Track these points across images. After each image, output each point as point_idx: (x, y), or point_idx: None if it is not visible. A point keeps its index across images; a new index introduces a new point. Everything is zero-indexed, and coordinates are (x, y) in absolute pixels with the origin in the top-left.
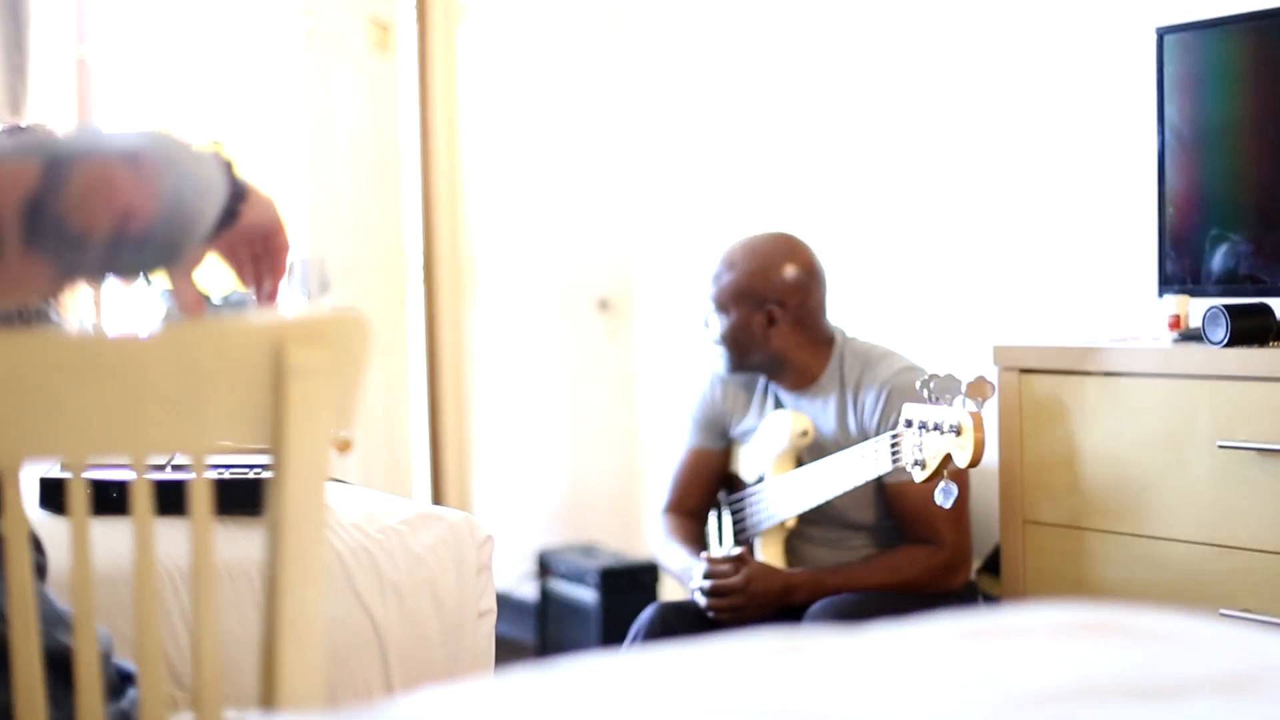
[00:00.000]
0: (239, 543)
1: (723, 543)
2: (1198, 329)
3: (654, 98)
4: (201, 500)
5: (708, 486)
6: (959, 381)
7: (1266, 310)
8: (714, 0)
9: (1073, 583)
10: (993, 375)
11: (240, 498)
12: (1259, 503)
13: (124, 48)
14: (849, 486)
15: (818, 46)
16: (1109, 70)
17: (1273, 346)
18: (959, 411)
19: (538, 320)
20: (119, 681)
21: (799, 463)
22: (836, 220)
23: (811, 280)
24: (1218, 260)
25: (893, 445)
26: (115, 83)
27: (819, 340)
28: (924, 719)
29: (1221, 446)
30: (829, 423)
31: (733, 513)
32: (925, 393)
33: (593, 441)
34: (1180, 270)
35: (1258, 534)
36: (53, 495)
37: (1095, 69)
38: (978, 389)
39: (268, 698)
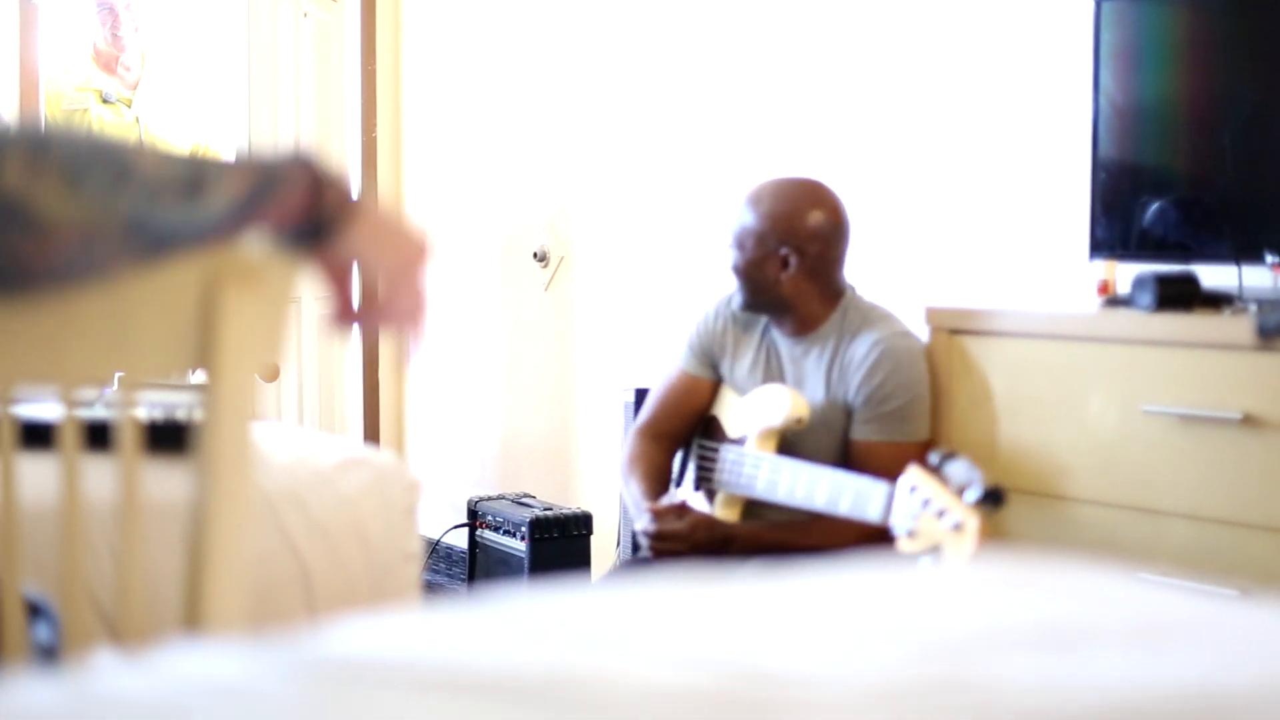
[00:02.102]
0: (166, 481)
1: (682, 485)
2: (1127, 295)
3: (593, 50)
4: (128, 434)
5: (687, 415)
6: (979, 477)
7: (1192, 278)
8: None
9: (995, 543)
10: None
11: (168, 437)
12: (1181, 468)
13: None
14: (831, 511)
15: (748, 8)
16: (1046, 37)
17: (1198, 313)
18: (966, 511)
19: (475, 271)
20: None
21: (784, 440)
22: (772, 174)
23: (833, 232)
24: (1148, 226)
25: (889, 500)
26: (59, 26)
27: (828, 292)
28: (834, 669)
29: (1146, 412)
30: (817, 372)
31: (701, 458)
32: (938, 462)
33: (527, 393)
34: (1111, 236)
35: (1179, 499)
36: None
37: (1032, 36)
38: (995, 496)
39: (191, 629)
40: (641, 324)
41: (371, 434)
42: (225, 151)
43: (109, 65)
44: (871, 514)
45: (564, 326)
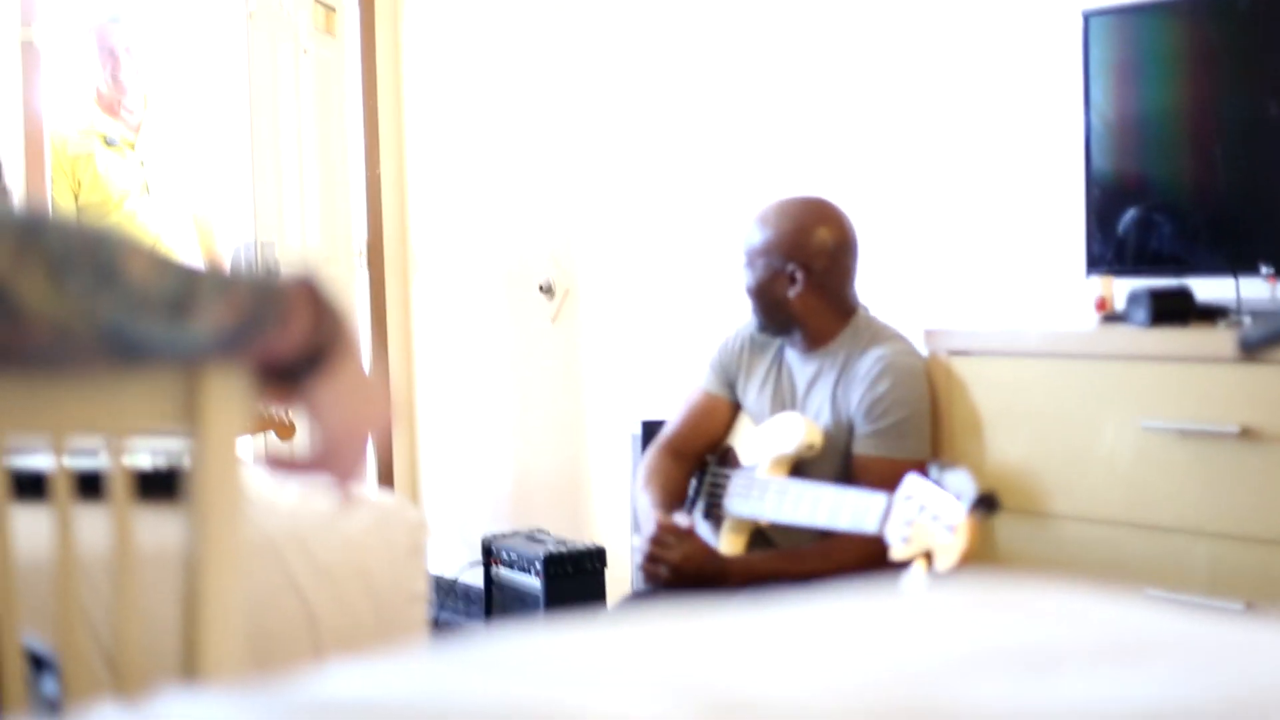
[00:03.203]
0: (160, 529)
1: (693, 509)
2: (1123, 311)
3: (595, 82)
4: (121, 485)
5: (707, 435)
6: (973, 485)
7: (1186, 292)
8: None
9: (997, 562)
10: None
11: (164, 484)
12: (1181, 483)
13: (70, 30)
14: (832, 526)
15: (745, 36)
16: (1036, 53)
17: (1194, 327)
18: (960, 512)
19: (481, 305)
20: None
21: (795, 466)
22: (773, 198)
23: (840, 247)
24: (1143, 241)
25: (886, 510)
26: (61, 70)
27: (839, 309)
28: (810, 693)
29: (1145, 428)
30: (825, 390)
31: (713, 483)
32: (936, 475)
33: (537, 428)
34: (1106, 251)
35: (1180, 514)
36: None
37: (1022, 52)
38: (988, 502)
39: (190, 677)
40: (648, 356)
41: (385, 475)
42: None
43: (111, 108)
44: (869, 524)
45: (571, 359)
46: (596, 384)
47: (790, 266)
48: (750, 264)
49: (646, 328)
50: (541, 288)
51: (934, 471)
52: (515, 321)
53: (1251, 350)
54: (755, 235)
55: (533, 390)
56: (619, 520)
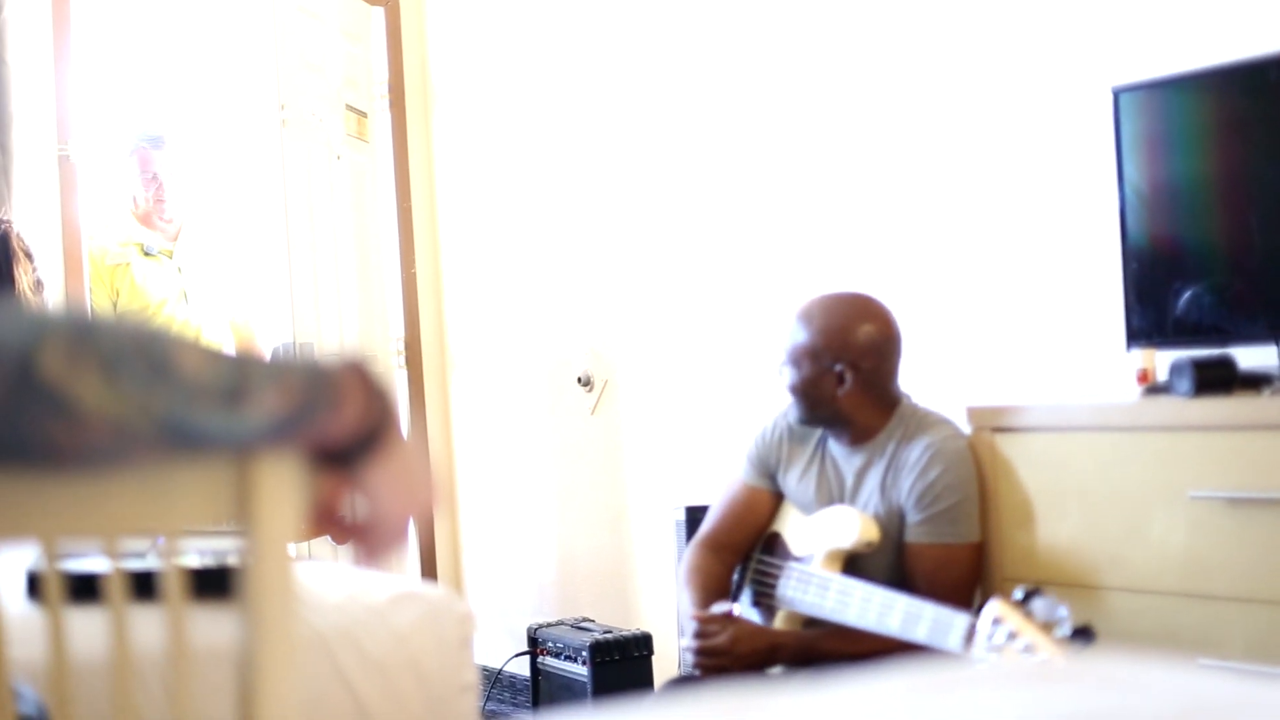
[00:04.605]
0: (211, 627)
1: (739, 599)
2: (1166, 382)
3: (628, 175)
4: (174, 583)
5: (748, 528)
6: (1068, 614)
7: (1229, 361)
8: (681, 85)
9: None
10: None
11: (218, 582)
12: (1232, 551)
13: (108, 146)
14: (907, 637)
15: (778, 128)
16: (1068, 130)
17: (1237, 396)
18: (1055, 647)
19: (520, 398)
20: None
21: (850, 561)
22: (810, 286)
23: (886, 345)
24: (1183, 312)
25: (970, 630)
26: (99, 182)
27: (885, 402)
28: None
29: (1193, 497)
30: (874, 482)
31: (762, 573)
32: (1022, 600)
33: (580, 517)
34: (1147, 323)
35: (1232, 583)
36: (38, 586)
37: (1054, 129)
38: (1086, 634)
39: None
40: (688, 442)
41: (429, 567)
42: (267, 329)
43: (149, 219)
44: (951, 643)
45: (612, 448)
46: (638, 472)
47: (838, 366)
48: (794, 362)
49: (686, 415)
50: (580, 380)
51: (1020, 594)
52: (554, 413)
53: None
54: (799, 333)
55: (574, 480)
56: (664, 606)
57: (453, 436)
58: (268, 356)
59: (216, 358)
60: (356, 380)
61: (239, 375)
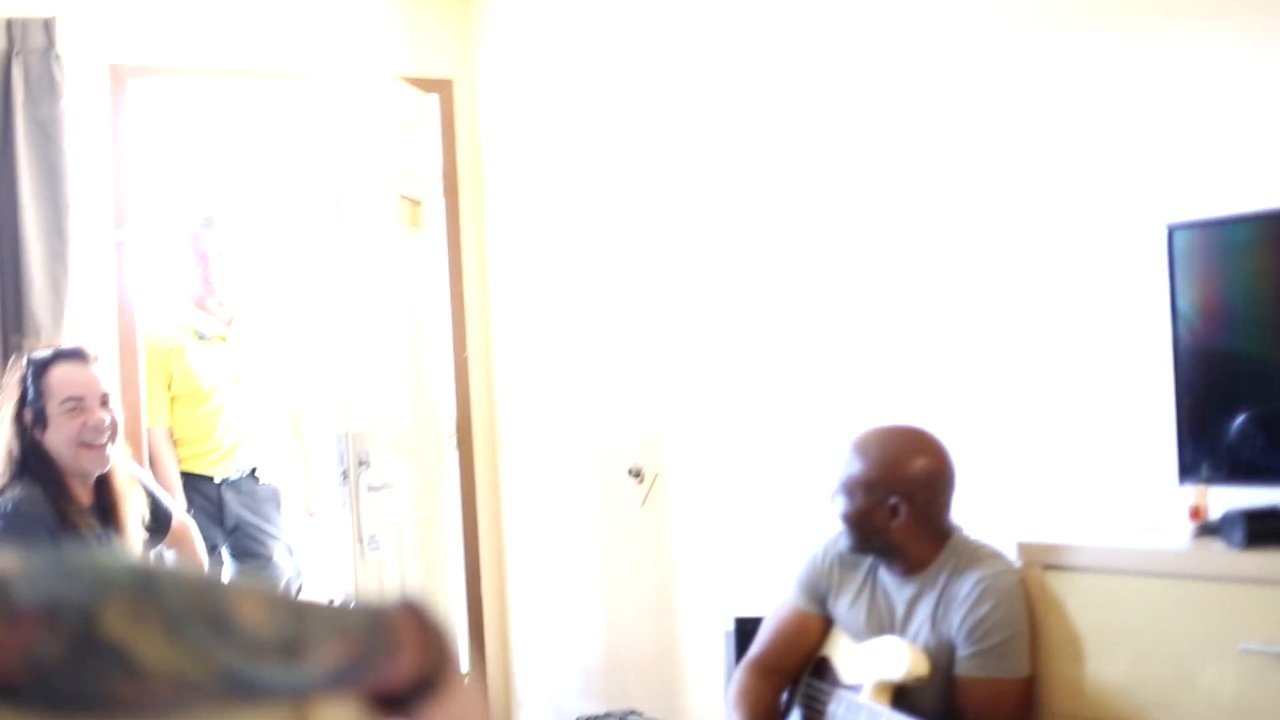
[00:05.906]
0: None
1: (787, 718)
2: (1217, 523)
3: (684, 266)
4: None
5: (797, 652)
6: None
7: None
8: (737, 184)
9: None
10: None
11: None
12: None
13: (163, 230)
14: None
15: (837, 254)
16: (1122, 266)
17: None
18: None
19: (570, 486)
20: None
21: (899, 693)
22: (858, 415)
23: (940, 478)
24: (1236, 449)
25: None
26: (154, 263)
27: (937, 535)
28: None
29: (1243, 650)
30: (925, 613)
31: (811, 697)
32: None
33: (628, 607)
34: (1199, 459)
35: None
36: None
37: (1109, 265)
38: None
39: None
40: (738, 546)
41: (477, 653)
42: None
43: (203, 304)
44: None
45: (662, 541)
46: (688, 568)
47: (892, 499)
48: (848, 492)
49: (736, 519)
50: (631, 471)
51: None
52: (604, 503)
53: None
54: (854, 464)
55: (623, 571)
56: (713, 706)
57: (503, 520)
58: (327, 603)
59: (275, 607)
60: (415, 624)
61: (298, 626)
